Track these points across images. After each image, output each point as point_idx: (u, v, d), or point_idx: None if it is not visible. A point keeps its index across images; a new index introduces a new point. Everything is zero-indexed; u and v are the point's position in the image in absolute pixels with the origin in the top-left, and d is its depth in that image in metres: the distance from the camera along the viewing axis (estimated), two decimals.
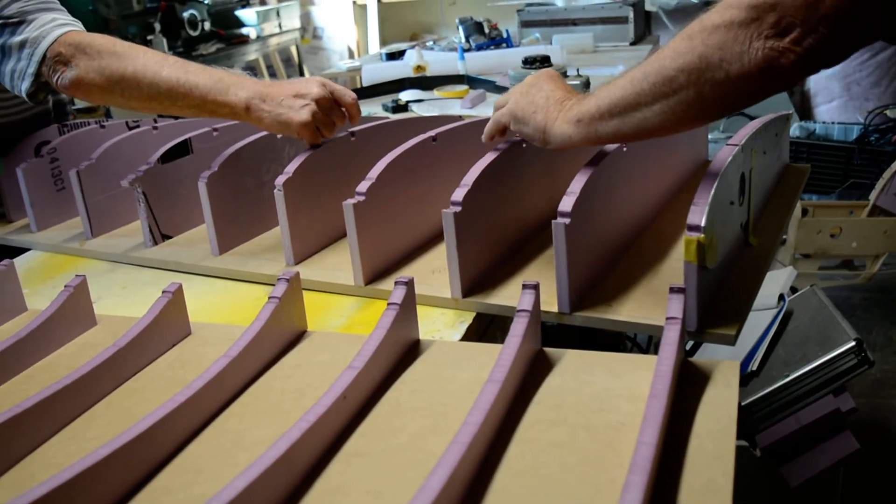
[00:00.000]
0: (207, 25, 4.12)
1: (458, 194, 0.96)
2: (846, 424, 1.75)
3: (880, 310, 3.01)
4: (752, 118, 1.17)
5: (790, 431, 1.71)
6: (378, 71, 2.64)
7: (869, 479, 2.06)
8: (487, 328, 1.02)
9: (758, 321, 1.96)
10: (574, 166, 0.95)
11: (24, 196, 1.39)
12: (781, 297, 2.07)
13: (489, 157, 1.02)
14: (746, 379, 1.81)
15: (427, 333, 0.94)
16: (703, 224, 0.81)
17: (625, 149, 1.02)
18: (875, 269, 3.14)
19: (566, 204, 0.88)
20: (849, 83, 4.45)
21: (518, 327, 0.77)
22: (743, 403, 1.72)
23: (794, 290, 2.27)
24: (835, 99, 4.50)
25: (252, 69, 5.59)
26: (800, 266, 3.08)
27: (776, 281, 2.21)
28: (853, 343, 1.72)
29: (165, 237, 1.29)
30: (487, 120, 1.07)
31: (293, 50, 5.25)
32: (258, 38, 4.47)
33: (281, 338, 0.89)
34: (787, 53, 0.71)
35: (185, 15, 3.93)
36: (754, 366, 1.80)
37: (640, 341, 2.48)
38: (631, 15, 3.08)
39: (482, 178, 0.99)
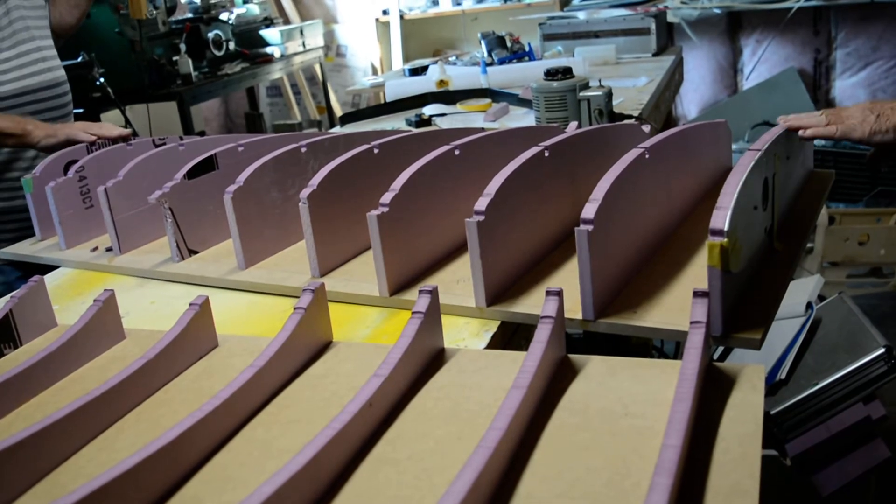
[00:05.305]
0: (232, 45, 4.17)
1: (482, 203, 0.97)
2: (877, 432, 1.73)
3: None
4: (773, 125, 1.18)
5: (820, 440, 1.70)
6: (401, 86, 2.65)
7: None
8: (512, 337, 1.02)
9: (786, 330, 1.94)
10: (597, 173, 0.95)
11: (54, 214, 1.41)
12: (809, 306, 2.05)
13: (512, 167, 1.03)
14: (775, 388, 1.80)
15: (452, 343, 0.94)
16: (726, 228, 0.81)
17: (647, 156, 1.02)
18: None
19: (589, 211, 0.88)
20: (874, 90, 4.42)
21: (542, 333, 0.77)
22: (772, 412, 1.71)
23: (821, 298, 2.26)
24: None
25: (276, 88, 5.65)
26: (827, 274, 3.06)
27: (804, 289, 2.19)
28: (883, 350, 1.70)
29: (192, 252, 1.30)
30: (509, 130, 1.07)
31: (317, 68, 5.28)
32: (282, 56, 4.50)
33: (307, 348, 0.90)
34: None
35: (210, 35, 3.98)
36: (783, 374, 1.79)
37: (667, 352, 2.47)
38: (653, 26, 3.08)
39: (505, 187, 1.00)
